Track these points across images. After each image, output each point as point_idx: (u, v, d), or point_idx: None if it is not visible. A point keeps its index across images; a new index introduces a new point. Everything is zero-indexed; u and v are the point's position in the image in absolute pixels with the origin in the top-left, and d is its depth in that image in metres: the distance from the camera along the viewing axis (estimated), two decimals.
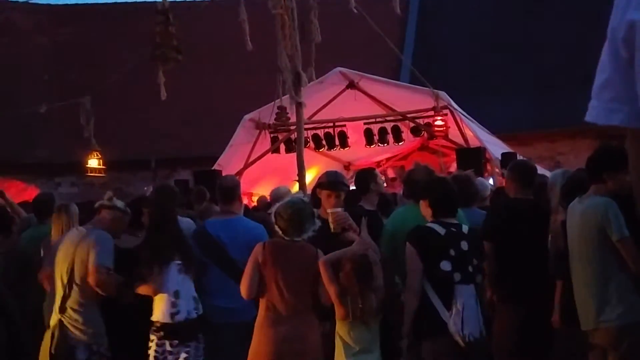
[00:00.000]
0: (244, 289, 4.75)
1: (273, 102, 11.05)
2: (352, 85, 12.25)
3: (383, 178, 7.82)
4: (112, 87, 13.66)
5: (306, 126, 11.05)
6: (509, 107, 14.94)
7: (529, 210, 5.42)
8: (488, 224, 5.41)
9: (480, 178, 8.06)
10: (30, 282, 6.49)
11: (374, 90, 12.42)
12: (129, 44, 15.09)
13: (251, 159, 12.35)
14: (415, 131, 12.36)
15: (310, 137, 12.26)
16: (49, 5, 20.92)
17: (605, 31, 1.63)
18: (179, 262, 5.34)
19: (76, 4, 20.92)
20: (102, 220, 5.64)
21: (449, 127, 11.78)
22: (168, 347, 5.22)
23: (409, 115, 12.29)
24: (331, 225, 5.02)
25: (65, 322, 5.37)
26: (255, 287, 4.72)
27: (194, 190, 8.43)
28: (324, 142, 12.46)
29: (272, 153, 12.40)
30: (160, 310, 5.24)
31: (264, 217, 5.83)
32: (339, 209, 5.09)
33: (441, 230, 4.68)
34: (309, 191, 7.65)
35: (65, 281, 5.41)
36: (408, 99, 12.15)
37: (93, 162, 14.50)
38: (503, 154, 10.38)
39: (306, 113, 10.34)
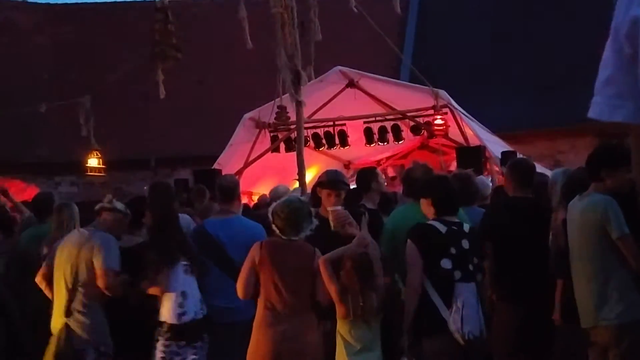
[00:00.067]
0: (239, 289, 4.78)
1: (273, 101, 11.05)
2: (352, 84, 12.24)
3: (384, 177, 7.82)
4: (111, 86, 13.67)
5: (306, 125, 11.04)
6: (509, 106, 14.93)
7: (527, 209, 5.41)
8: (486, 223, 5.41)
9: (481, 177, 8.06)
10: (31, 282, 6.49)
11: (373, 89, 12.41)
12: (129, 43, 15.12)
13: (251, 158, 12.34)
14: (415, 130, 12.36)
15: (310, 136, 12.26)
16: (48, 4, 20.91)
17: (605, 30, 1.63)
18: (185, 262, 5.38)
19: (76, 3, 20.89)
20: (104, 222, 5.67)
21: (449, 125, 11.77)
22: (175, 348, 5.25)
23: (408, 114, 12.28)
24: (331, 224, 5.02)
25: (71, 326, 5.38)
26: (251, 288, 4.74)
27: (194, 189, 8.44)
28: (323, 141, 12.46)
29: (272, 152, 12.39)
30: (167, 311, 5.27)
31: (265, 216, 5.84)
32: (339, 207, 5.10)
33: (442, 228, 4.68)
34: (308, 190, 7.65)
35: (69, 284, 5.43)
36: (408, 97, 12.14)
37: (93, 162, 14.50)
38: (503, 153, 10.37)
39: (306, 112, 10.33)
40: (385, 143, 12.42)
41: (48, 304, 5.73)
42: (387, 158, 14.07)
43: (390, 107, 12.60)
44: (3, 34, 18.74)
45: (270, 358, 4.61)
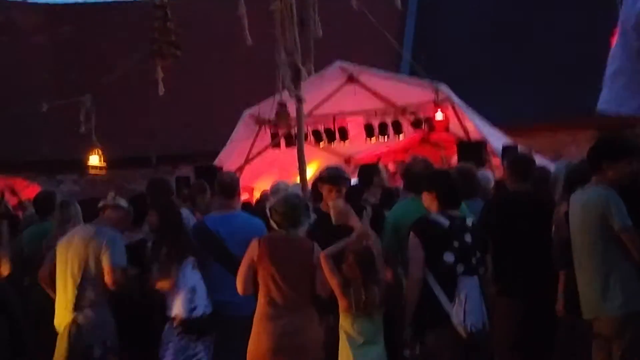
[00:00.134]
0: (239, 285, 4.84)
1: (273, 97, 11.04)
2: (352, 79, 12.21)
3: (386, 172, 7.83)
4: (112, 84, 13.66)
5: (306, 121, 11.03)
6: (510, 99, 14.90)
7: (526, 202, 5.40)
8: (484, 218, 5.39)
9: (483, 171, 8.05)
10: (32, 280, 6.50)
11: (374, 84, 12.38)
12: (129, 41, 15.08)
13: (252, 154, 12.34)
14: (416, 124, 12.33)
15: (311, 132, 12.25)
16: (48, 4, 20.89)
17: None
18: (192, 258, 5.47)
19: (76, 3, 20.89)
20: (108, 220, 5.70)
21: (450, 120, 11.76)
22: (187, 343, 5.34)
23: (409, 109, 12.27)
24: (333, 218, 5.04)
25: (80, 321, 5.41)
26: (250, 284, 4.79)
27: (195, 184, 8.45)
28: (324, 136, 12.45)
29: (272, 148, 12.39)
30: (179, 306, 5.36)
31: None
32: (340, 202, 5.11)
33: (445, 222, 4.69)
34: (309, 186, 7.66)
35: (78, 279, 5.46)
36: (408, 92, 12.12)
37: (94, 160, 14.49)
38: (504, 146, 10.35)
39: (306, 108, 10.33)
40: (386, 138, 12.41)
41: (50, 302, 5.74)
42: (388, 153, 14.04)
43: (391, 102, 12.58)
44: (3, 34, 18.74)
45: (271, 352, 4.63)
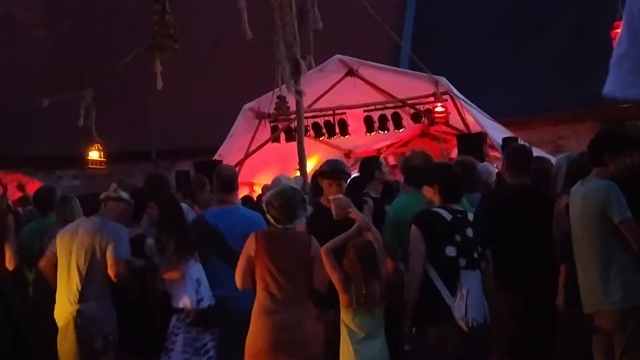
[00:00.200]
0: (238, 280, 4.85)
1: (272, 92, 11.02)
2: (351, 72, 12.20)
3: (387, 166, 7.81)
4: (112, 79, 13.63)
5: (306, 114, 11.03)
6: (510, 92, 14.89)
7: (524, 195, 5.36)
8: (481, 212, 5.34)
9: (485, 163, 8.04)
10: (32, 276, 6.50)
11: (373, 78, 12.37)
12: (129, 35, 15.04)
13: (252, 149, 12.33)
14: (416, 118, 12.33)
15: (310, 126, 12.24)
16: None
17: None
18: (195, 252, 5.52)
19: None
20: (110, 212, 5.70)
21: (450, 113, 11.74)
22: (195, 334, 5.41)
23: (409, 102, 12.25)
24: (333, 212, 5.03)
25: (84, 313, 5.41)
26: (248, 278, 4.80)
27: (194, 179, 8.45)
28: (324, 130, 12.44)
29: (272, 142, 12.38)
30: (186, 298, 5.41)
31: None
32: (341, 195, 5.11)
33: (447, 215, 4.69)
34: (309, 180, 7.65)
35: (83, 271, 5.47)
36: (408, 85, 12.11)
37: (94, 155, 14.48)
38: (504, 139, 10.34)
39: (306, 101, 10.32)
40: (386, 131, 12.39)
41: (49, 296, 5.74)
42: (388, 146, 14.03)
43: (391, 95, 12.57)
44: (2, 29, 18.71)
45: (269, 347, 4.63)
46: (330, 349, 4.77)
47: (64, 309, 5.53)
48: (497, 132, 11.16)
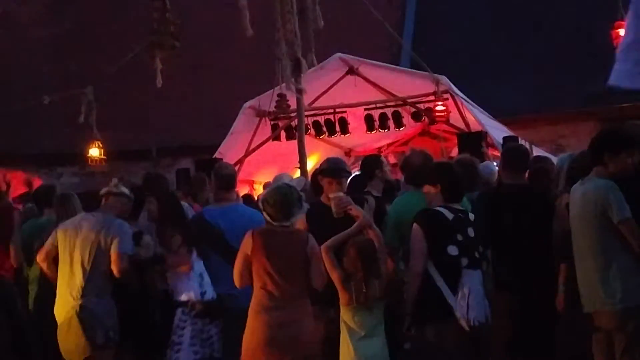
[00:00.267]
0: (235, 278, 4.86)
1: (273, 90, 11.01)
2: (352, 71, 12.19)
3: (389, 165, 7.81)
4: (112, 76, 13.62)
5: (306, 113, 11.02)
6: (510, 91, 14.87)
7: (520, 195, 5.34)
8: (476, 211, 5.33)
9: (487, 162, 8.02)
10: (31, 274, 6.49)
11: (374, 76, 12.36)
12: (129, 33, 15.04)
13: (252, 147, 12.32)
14: (416, 116, 12.32)
15: (311, 124, 12.23)
16: None
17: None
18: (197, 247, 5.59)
19: None
20: (111, 207, 5.69)
21: (450, 111, 11.73)
22: (201, 326, 5.47)
23: (409, 101, 12.24)
24: (333, 210, 5.03)
25: (86, 308, 5.41)
26: (246, 276, 4.81)
27: (194, 178, 8.44)
28: (324, 128, 12.42)
29: (272, 140, 12.38)
30: (191, 291, 5.48)
31: None
32: (341, 193, 5.11)
33: (449, 215, 4.70)
34: (309, 178, 7.65)
35: (87, 266, 5.47)
36: (408, 84, 12.10)
37: (94, 152, 14.47)
38: (504, 138, 10.34)
39: (306, 99, 10.31)
40: (386, 130, 12.39)
41: (48, 294, 5.73)
42: (388, 145, 14.02)
43: (391, 94, 12.56)
44: (2, 27, 18.69)
45: (266, 344, 4.64)
46: (330, 347, 4.78)
47: (65, 303, 5.52)
48: (497, 131, 11.15)
